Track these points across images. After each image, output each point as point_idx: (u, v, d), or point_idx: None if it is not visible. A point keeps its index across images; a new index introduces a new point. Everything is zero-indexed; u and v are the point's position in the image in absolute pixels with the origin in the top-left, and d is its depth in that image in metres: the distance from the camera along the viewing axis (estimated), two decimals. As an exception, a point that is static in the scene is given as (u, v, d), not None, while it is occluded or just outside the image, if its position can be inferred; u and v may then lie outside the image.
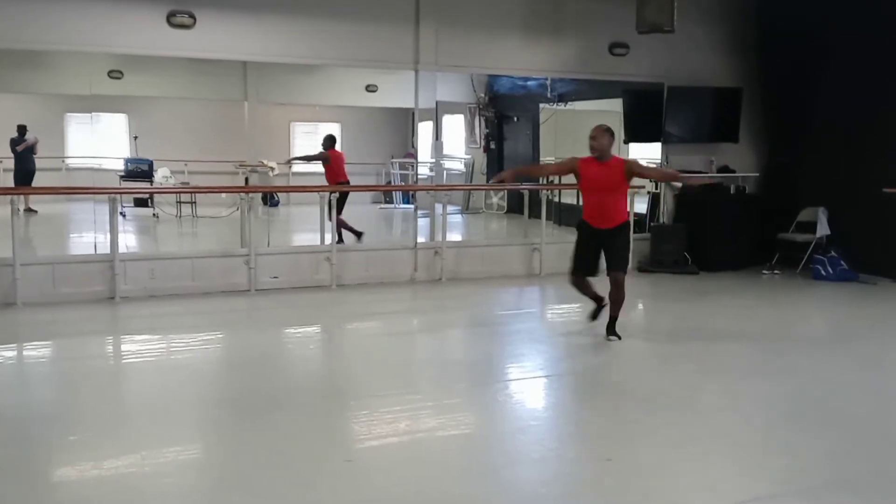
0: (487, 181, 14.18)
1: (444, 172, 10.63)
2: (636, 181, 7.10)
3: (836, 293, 9.03)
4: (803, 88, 10.03)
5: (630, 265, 10.00)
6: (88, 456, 4.23)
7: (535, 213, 10.21)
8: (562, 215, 12.16)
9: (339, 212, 9.61)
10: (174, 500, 3.78)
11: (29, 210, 11.94)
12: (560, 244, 10.17)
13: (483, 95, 13.89)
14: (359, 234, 10.35)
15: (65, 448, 4.38)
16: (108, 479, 3.97)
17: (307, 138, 15.50)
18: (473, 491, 3.88)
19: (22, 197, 10.46)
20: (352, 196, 10.34)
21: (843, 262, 9.43)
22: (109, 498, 3.74)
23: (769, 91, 10.51)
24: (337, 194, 9.32)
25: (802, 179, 10.13)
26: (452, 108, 13.91)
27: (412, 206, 10.33)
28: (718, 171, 10.54)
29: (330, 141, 10.95)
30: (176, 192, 12.15)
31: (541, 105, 13.21)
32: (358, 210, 13.60)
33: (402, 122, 14.89)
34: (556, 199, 12.17)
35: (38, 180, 12.40)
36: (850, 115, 9.55)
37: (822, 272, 9.49)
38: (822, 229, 9.65)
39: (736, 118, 10.30)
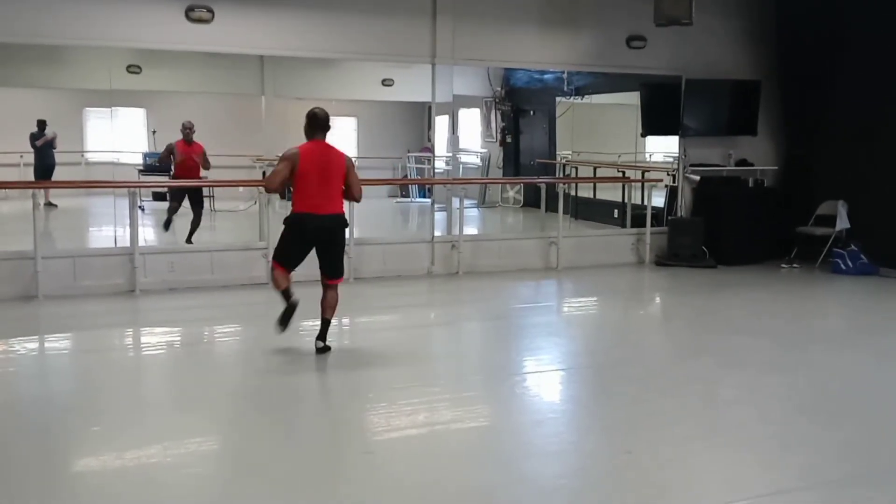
0: (503, 175, 14.18)
1: (461, 166, 10.61)
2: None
3: (855, 287, 8.96)
4: (822, 81, 9.94)
5: (647, 258, 10.10)
6: (111, 446, 4.28)
7: (552, 207, 10.19)
8: (578, 209, 12.15)
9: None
10: (196, 491, 3.82)
11: (49, 204, 12.03)
12: (577, 238, 10.20)
13: (499, 89, 13.86)
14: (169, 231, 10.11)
15: (88, 439, 4.43)
16: (130, 470, 4.02)
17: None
18: (491, 483, 3.90)
19: (42, 191, 10.57)
20: (368, 190, 10.27)
21: (862, 256, 9.36)
22: (133, 488, 3.78)
23: (788, 84, 10.42)
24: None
25: (821, 173, 10.04)
26: (469, 101, 13.87)
27: (429, 199, 10.33)
28: (736, 165, 10.48)
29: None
30: (194, 186, 12.21)
31: (557, 98, 13.17)
32: (374, 204, 13.64)
33: (419, 116, 14.87)
34: (574, 193, 12.19)
35: (58, 174, 12.48)
36: (869, 109, 9.45)
37: (842, 266, 9.43)
38: (842, 223, 9.56)
39: (754, 111, 10.21)
